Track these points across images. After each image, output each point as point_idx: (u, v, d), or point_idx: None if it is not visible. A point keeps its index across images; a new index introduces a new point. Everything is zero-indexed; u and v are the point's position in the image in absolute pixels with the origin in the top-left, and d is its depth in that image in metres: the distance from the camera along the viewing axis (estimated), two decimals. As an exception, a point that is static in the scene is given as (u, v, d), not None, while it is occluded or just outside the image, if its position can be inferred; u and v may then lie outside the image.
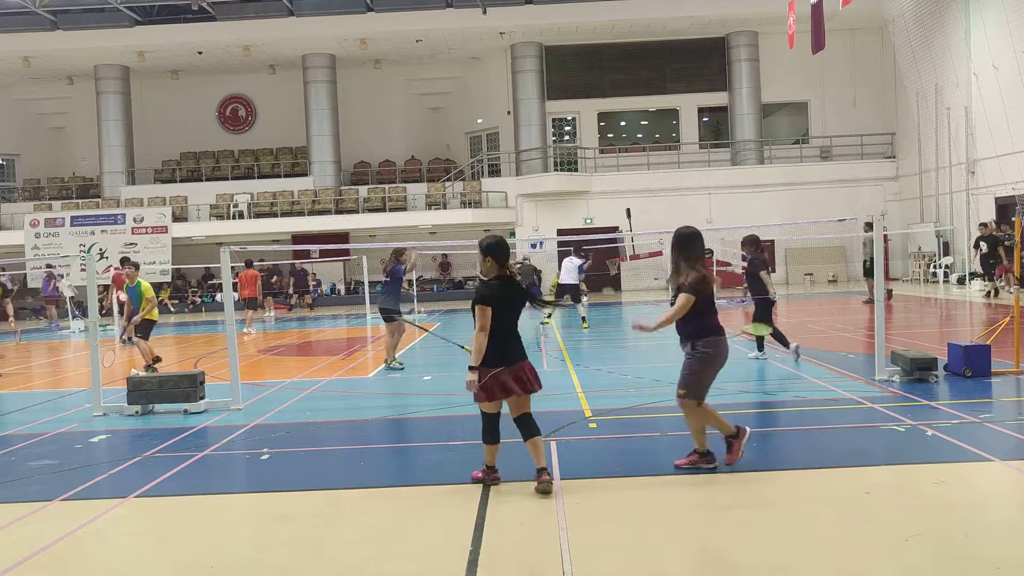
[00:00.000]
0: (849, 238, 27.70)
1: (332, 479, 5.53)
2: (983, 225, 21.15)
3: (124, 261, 18.32)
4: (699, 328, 5.64)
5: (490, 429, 5.52)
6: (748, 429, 5.78)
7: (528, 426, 5.51)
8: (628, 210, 28.32)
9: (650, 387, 9.34)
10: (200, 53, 30.80)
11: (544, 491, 5.31)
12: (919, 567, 4.06)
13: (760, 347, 10.86)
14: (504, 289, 5.44)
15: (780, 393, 8.85)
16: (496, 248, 5.50)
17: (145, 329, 12.54)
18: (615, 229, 28.38)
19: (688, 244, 5.69)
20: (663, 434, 7.15)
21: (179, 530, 5.09)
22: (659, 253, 27.72)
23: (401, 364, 11.90)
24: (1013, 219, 15.36)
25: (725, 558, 4.30)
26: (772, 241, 27.87)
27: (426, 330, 12.70)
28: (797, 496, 5.19)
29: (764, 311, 10.49)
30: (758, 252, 10.87)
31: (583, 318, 17.10)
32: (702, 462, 5.73)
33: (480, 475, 5.62)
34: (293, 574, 4.40)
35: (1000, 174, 22.41)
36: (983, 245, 20.40)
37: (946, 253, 25.43)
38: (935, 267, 25.39)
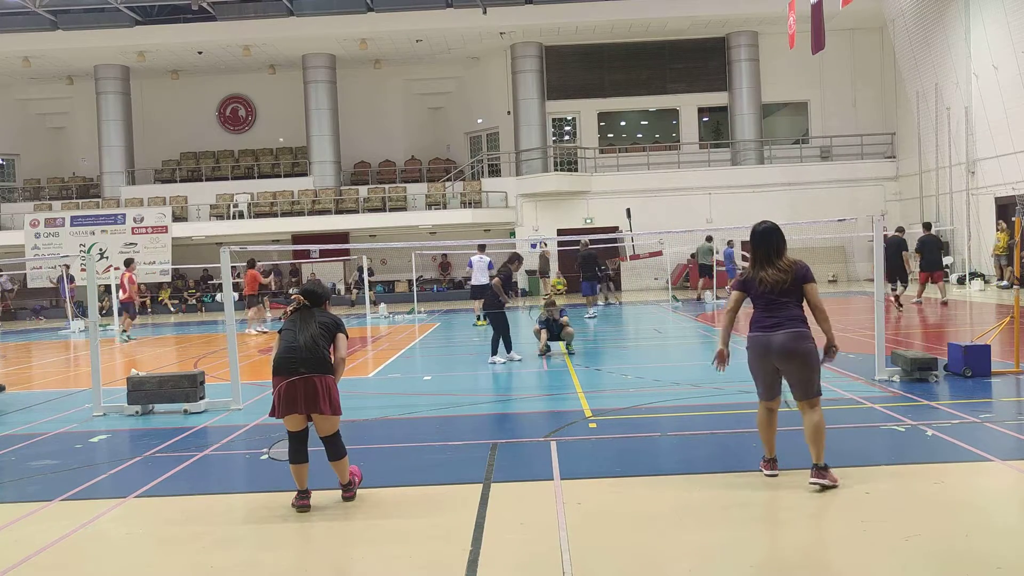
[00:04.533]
0: (849, 238, 27.70)
1: (332, 479, 5.53)
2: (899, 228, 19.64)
3: (129, 262, 18.72)
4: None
5: (291, 447, 5.40)
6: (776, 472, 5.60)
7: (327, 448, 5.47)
8: (628, 210, 28.33)
9: (650, 387, 9.35)
10: (200, 53, 30.81)
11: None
12: (919, 567, 4.06)
13: (495, 351, 11.88)
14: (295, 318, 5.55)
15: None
16: (312, 295, 5.66)
17: None
18: (615, 229, 28.39)
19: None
20: (663, 434, 7.16)
21: (179, 530, 5.09)
22: (659, 253, 27.72)
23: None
24: (1013, 219, 15.33)
25: (725, 558, 4.30)
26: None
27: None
28: (797, 496, 5.19)
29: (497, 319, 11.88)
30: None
31: (479, 316, 17.41)
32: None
33: (294, 502, 5.36)
34: (293, 574, 4.40)
35: (1000, 174, 22.41)
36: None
37: (946, 253, 25.39)
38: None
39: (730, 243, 23.70)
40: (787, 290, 5.37)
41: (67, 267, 25.01)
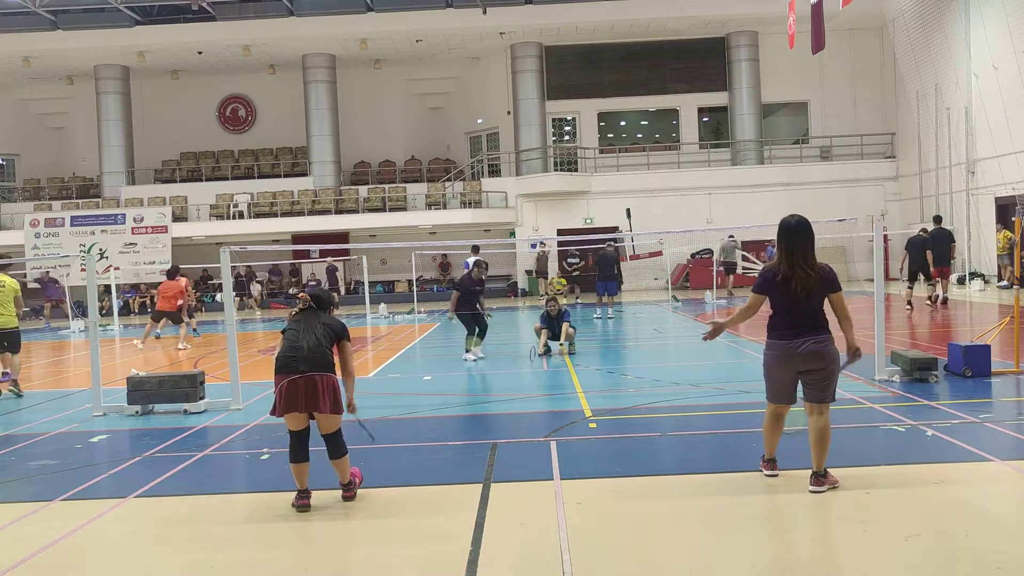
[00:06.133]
0: (849, 238, 27.68)
1: (332, 479, 5.53)
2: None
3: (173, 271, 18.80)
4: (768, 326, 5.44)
5: (291, 446, 5.44)
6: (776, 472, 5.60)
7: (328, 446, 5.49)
8: (628, 210, 28.34)
9: (650, 387, 9.35)
10: (200, 53, 30.80)
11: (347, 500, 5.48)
12: (919, 567, 4.06)
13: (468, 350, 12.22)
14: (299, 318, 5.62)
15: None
16: (317, 299, 5.74)
17: (15, 341, 10.35)
18: (615, 229, 28.38)
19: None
20: (663, 434, 7.16)
21: (179, 530, 5.09)
22: (659, 253, 27.72)
23: None
24: (1013, 219, 15.31)
25: (725, 558, 4.30)
26: (772, 241, 27.88)
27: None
28: (797, 496, 5.19)
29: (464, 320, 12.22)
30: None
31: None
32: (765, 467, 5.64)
33: (294, 502, 5.38)
34: (293, 574, 4.40)
35: (1000, 174, 22.41)
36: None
37: (958, 249, 25.33)
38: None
39: (771, 243, 23.72)
40: (816, 294, 5.27)
41: (47, 272, 25.01)
